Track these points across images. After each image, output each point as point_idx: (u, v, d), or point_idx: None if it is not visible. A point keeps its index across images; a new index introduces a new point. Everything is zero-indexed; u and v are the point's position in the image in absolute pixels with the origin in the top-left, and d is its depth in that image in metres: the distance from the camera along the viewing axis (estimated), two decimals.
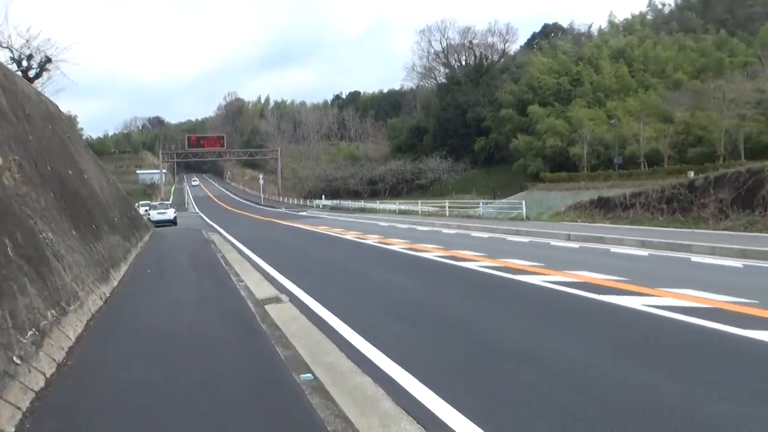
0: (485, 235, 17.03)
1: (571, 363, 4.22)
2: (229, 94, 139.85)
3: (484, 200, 38.12)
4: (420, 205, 30.20)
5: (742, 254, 9.75)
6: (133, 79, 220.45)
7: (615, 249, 11.83)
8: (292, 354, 4.69)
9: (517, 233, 16.24)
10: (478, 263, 10.12)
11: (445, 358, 4.63)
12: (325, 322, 6.01)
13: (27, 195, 6.36)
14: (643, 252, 11.16)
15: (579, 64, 59.44)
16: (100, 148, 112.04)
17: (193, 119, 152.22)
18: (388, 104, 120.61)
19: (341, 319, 6.01)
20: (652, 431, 3.02)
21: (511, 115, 59.00)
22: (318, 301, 7.09)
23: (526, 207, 22.27)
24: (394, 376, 4.00)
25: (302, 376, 4.01)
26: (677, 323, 5.28)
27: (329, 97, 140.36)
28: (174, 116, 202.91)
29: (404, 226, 22.39)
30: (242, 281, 9.00)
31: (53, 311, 4.93)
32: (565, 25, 79.14)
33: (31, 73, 17.77)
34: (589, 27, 76.71)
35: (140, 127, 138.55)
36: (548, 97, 58.09)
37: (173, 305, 6.99)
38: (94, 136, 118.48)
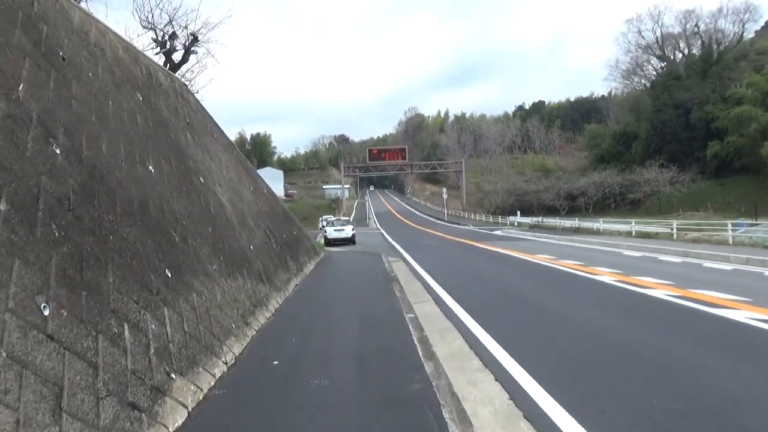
0: None
1: None
2: (409, 110, 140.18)
3: (741, 220, 28.78)
4: (675, 228, 21.90)
5: None
6: (322, 103, 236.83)
7: None
8: None
9: None
10: None
11: None
12: None
13: None
14: None
15: None
16: (291, 165, 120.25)
17: (375, 137, 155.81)
18: (576, 113, 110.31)
19: None
20: None
21: (754, 113, 46.71)
22: None
23: None
24: None
25: None
26: None
27: (510, 109, 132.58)
28: (357, 135, 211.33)
29: (677, 259, 15.14)
30: None
31: None
32: None
33: (176, 57, 14.48)
34: None
35: (327, 145, 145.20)
36: None
37: None
38: (288, 155, 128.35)
